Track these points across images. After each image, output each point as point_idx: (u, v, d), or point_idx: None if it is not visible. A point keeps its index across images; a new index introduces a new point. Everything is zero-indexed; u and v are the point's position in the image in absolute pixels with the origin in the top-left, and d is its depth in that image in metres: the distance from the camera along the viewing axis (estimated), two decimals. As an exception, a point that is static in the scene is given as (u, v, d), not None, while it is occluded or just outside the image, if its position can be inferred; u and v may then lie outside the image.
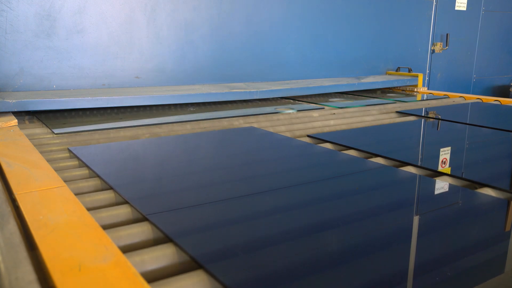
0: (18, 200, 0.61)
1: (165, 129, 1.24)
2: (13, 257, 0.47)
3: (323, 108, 1.63)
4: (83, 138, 1.11)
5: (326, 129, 1.29)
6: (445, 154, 0.99)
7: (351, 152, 1.02)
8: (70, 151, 0.97)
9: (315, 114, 1.50)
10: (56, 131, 1.17)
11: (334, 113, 1.52)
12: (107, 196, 0.71)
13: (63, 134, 1.15)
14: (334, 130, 1.27)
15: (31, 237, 0.50)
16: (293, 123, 1.34)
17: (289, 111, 1.51)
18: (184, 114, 1.46)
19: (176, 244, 0.53)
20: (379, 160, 0.95)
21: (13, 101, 1.27)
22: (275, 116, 1.45)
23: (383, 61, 2.42)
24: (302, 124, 1.34)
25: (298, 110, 1.54)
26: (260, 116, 1.45)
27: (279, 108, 1.57)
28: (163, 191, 0.72)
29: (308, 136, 1.19)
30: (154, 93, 1.51)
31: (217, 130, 1.21)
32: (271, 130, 1.24)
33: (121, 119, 1.36)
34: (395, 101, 1.83)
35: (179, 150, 1.01)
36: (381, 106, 1.72)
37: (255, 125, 1.30)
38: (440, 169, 0.86)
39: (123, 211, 0.65)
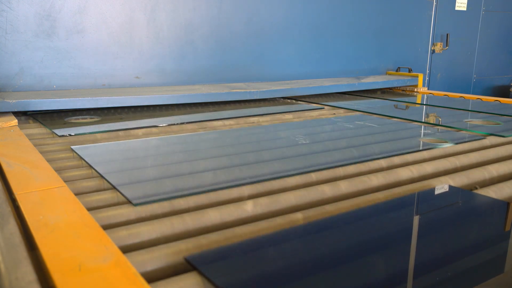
0: (18, 200, 0.61)
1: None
2: (13, 257, 0.47)
3: (484, 138, 1.11)
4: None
5: None
6: None
7: None
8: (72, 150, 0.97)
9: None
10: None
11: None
12: (108, 196, 0.71)
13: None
14: None
15: (31, 237, 0.50)
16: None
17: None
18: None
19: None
20: None
21: (13, 101, 1.27)
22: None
23: (383, 61, 2.42)
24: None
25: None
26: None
27: (427, 139, 1.09)
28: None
29: None
30: (154, 93, 1.51)
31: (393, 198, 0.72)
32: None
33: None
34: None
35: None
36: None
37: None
38: None
39: (123, 211, 0.65)
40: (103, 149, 0.99)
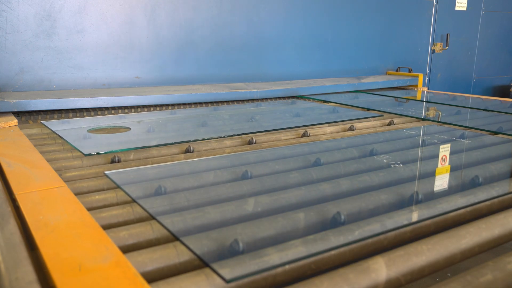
0: (18, 200, 0.61)
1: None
2: (13, 257, 0.47)
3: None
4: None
5: None
6: None
7: None
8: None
9: None
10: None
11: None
12: (108, 196, 0.71)
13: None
14: None
15: (31, 237, 0.50)
16: None
17: None
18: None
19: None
20: None
21: (13, 101, 1.26)
22: None
23: (383, 61, 2.42)
24: None
25: None
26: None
27: None
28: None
29: None
30: (154, 93, 1.51)
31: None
32: None
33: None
34: None
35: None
36: None
37: None
38: None
39: (123, 211, 0.65)
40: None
